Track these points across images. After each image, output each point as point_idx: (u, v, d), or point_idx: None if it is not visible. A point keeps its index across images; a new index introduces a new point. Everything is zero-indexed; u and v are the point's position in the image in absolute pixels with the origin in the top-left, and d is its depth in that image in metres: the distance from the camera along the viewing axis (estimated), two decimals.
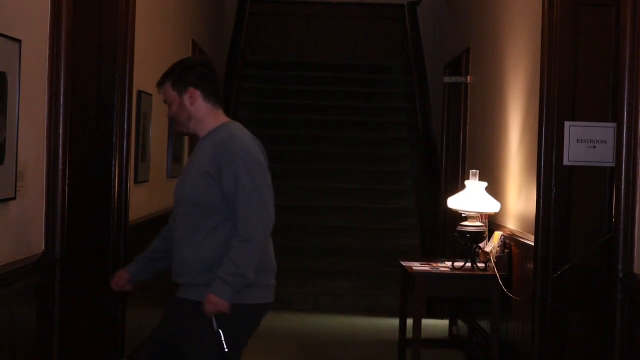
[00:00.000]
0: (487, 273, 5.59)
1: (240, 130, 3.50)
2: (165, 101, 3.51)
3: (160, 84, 3.50)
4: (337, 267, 8.74)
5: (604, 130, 4.82)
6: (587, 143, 4.83)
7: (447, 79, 7.95)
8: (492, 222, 5.90)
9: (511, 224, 5.71)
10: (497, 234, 5.65)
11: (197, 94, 3.44)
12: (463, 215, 5.72)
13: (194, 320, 3.37)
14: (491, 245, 5.65)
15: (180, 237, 3.41)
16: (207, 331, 3.32)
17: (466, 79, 7.37)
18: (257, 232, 3.30)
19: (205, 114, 3.47)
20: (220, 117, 3.51)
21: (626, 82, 3.71)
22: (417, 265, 5.81)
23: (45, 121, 3.56)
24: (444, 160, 8.30)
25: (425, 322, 5.92)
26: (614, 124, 4.46)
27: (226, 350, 3.29)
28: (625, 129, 3.69)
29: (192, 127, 3.49)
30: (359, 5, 11.82)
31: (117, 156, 4.75)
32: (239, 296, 3.29)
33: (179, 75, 3.47)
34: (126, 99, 4.83)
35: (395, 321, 6.26)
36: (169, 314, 3.60)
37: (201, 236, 3.36)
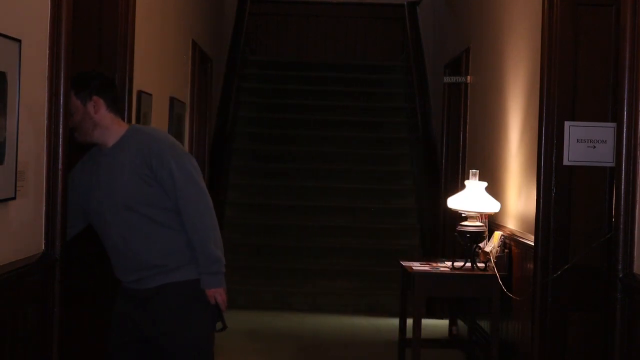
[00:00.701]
0: (487, 273, 5.59)
1: (152, 128, 3.83)
2: (70, 112, 3.57)
3: (70, 91, 3.57)
4: (337, 267, 8.75)
5: (604, 130, 4.82)
6: (587, 143, 4.83)
7: (447, 79, 7.95)
8: (492, 222, 5.90)
9: (511, 224, 5.71)
10: (497, 234, 5.65)
11: (101, 102, 3.58)
12: (463, 215, 5.72)
13: (184, 299, 3.61)
14: (491, 245, 5.65)
15: (134, 237, 3.56)
16: (198, 307, 3.63)
17: (466, 79, 7.38)
18: (206, 219, 3.57)
19: (110, 122, 3.60)
20: (123, 124, 3.67)
21: (626, 82, 3.71)
22: (417, 265, 5.82)
23: (45, 121, 3.56)
24: (444, 160, 8.30)
25: (425, 322, 5.92)
26: (614, 124, 4.46)
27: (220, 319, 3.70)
28: (625, 129, 3.69)
29: (96, 136, 3.59)
30: (359, 5, 11.82)
31: None
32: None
33: (82, 84, 3.58)
34: (126, 99, 4.82)
35: (395, 321, 6.27)
36: (137, 318, 3.67)
37: (165, 227, 3.56)
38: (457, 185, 7.23)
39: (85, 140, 3.63)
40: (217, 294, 3.67)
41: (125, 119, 4.83)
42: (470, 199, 5.66)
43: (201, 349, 3.67)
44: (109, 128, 3.60)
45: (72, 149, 3.78)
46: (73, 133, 3.62)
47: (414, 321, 5.57)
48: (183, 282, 3.61)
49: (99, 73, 3.76)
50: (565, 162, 4.85)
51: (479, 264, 5.69)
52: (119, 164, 3.56)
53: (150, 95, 5.49)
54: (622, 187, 3.70)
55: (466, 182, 5.82)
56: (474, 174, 5.82)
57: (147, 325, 3.65)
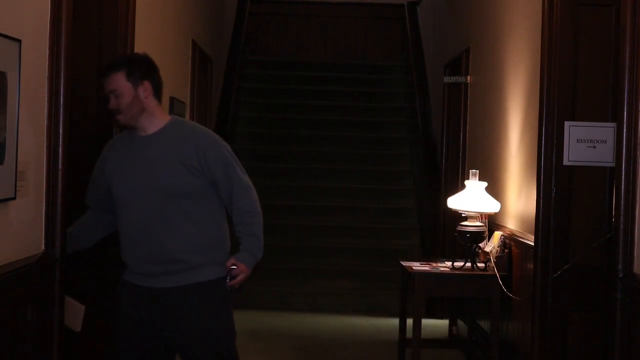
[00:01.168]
0: (487, 273, 5.59)
1: (193, 122, 3.80)
2: (110, 92, 3.49)
3: (107, 74, 3.49)
4: (337, 267, 8.74)
5: (604, 130, 4.82)
6: (587, 143, 4.83)
7: (447, 79, 7.95)
8: (492, 222, 5.90)
9: (511, 224, 5.71)
10: (497, 234, 5.65)
11: (150, 87, 3.53)
12: (463, 215, 5.72)
13: (208, 299, 3.55)
14: (491, 245, 5.65)
15: (164, 227, 3.48)
16: (222, 307, 3.59)
17: (466, 79, 7.38)
18: (257, 206, 3.61)
19: (155, 109, 3.56)
20: (165, 113, 3.64)
21: (626, 82, 3.71)
22: (417, 265, 5.82)
23: (45, 121, 3.56)
24: (444, 160, 8.30)
25: (425, 322, 5.92)
26: (614, 124, 4.46)
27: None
28: (625, 129, 3.69)
29: (141, 121, 3.52)
30: (359, 5, 11.82)
31: None
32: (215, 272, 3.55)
33: (134, 67, 3.51)
34: None
35: (395, 321, 6.27)
36: (153, 316, 3.58)
37: (197, 222, 3.52)
38: (457, 185, 7.23)
39: (129, 125, 3.54)
40: (244, 275, 3.58)
41: None
42: (470, 199, 5.66)
43: (226, 348, 3.64)
44: (154, 114, 3.54)
45: (72, 148, 3.78)
46: (115, 115, 3.54)
47: (414, 321, 5.57)
48: (208, 282, 3.56)
49: (148, 56, 3.67)
50: (565, 162, 4.85)
51: (479, 264, 5.69)
52: (161, 152, 3.50)
53: None
54: (622, 187, 3.70)
55: (466, 182, 5.82)
56: (474, 174, 5.82)
57: (167, 324, 3.56)
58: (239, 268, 3.56)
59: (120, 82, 3.47)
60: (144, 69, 3.53)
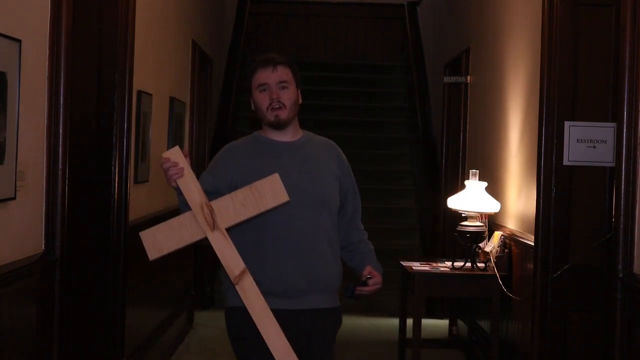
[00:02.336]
0: (487, 273, 5.59)
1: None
2: (279, 82, 3.18)
3: (278, 63, 3.19)
4: None
5: (604, 130, 4.81)
6: (587, 143, 4.83)
7: (447, 79, 7.95)
8: (492, 222, 5.90)
9: (511, 224, 5.71)
10: (497, 234, 5.65)
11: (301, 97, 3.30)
12: (463, 215, 5.72)
13: (334, 328, 3.34)
14: (491, 245, 5.65)
15: (323, 241, 3.18)
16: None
17: (466, 79, 7.38)
18: None
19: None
20: None
21: (626, 82, 3.71)
22: (417, 265, 5.82)
23: (45, 121, 3.56)
24: (444, 160, 8.30)
25: (425, 322, 5.92)
26: (614, 124, 4.46)
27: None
28: (625, 129, 3.69)
29: (291, 120, 3.22)
30: (359, 5, 11.82)
31: (117, 156, 4.75)
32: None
33: (297, 70, 3.29)
34: (126, 99, 4.83)
35: (395, 321, 6.26)
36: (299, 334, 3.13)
37: (335, 238, 3.27)
38: (457, 185, 7.23)
39: (288, 121, 3.20)
40: (379, 285, 3.27)
41: (125, 119, 4.85)
42: (470, 199, 5.66)
43: None
44: (296, 122, 3.30)
45: (72, 149, 3.78)
46: (275, 108, 3.18)
47: (414, 321, 5.57)
48: (339, 307, 3.30)
49: None
50: (565, 162, 4.85)
51: (479, 264, 5.69)
52: (314, 160, 3.23)
53: (150, 95, 5.50)
54: (622, 187, 3.70)
55: (466, 182, 5.82)
56: (474, 174, 5.82)
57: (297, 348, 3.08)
58: (376, 278, 3.25)
59: (289, 75, 3.22)
60: (300, 77, 3.31)
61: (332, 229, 3.23)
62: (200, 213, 2.86)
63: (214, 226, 2.86)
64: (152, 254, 2.90)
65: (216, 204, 2.88)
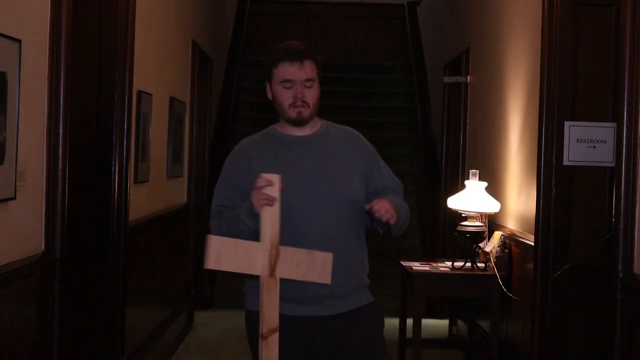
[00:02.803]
0: (487, 273, 5.59)
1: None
2: (306, 80, 3.00)
3: (305, 57, 2.99)
4: None
5: (604, 130, 4.81)
6: (587, 143, 4.83)
7: (447, 79, 7.95)
8: (492, 222, 5.90)
9: (511, 224, 5.71)
10: (497, 234, 5.65)
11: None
12: (463, 215, 5.72)
13: (371, 326, 3.13)
14: (491, 245, 5.65)
15: (344, 240, 3.05)
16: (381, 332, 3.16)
17: (466, 79, 7.37)
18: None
19: None
20: None
21: (626, 82, 3.71)
22: (417, 265, 5.81)
23: (45, 121, 3.56)
24: (444, 160, 8.30)
25: (425, 322, 5.91)
26: (614, 124, 4.46)
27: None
28: (625, 129, 3.69)
29: (312, 118, 3.07)
30: (359, 5, 11.82)
31: (117, 156, 4.75)
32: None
33: (320, 61, 3.06)
34: (126, 99, 4.83)
35: (395, 321, 6.26)
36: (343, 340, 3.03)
37: (357, 233, 3.13)
38: (457, 185, 7.23)
39: (309, 119, 3.05)
40: (386, 210, 2.93)
41: (125, 119, 4.85)
42: (470, 199, 5.66)
43: None
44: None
45: (71, 149, 3.78)
46: (298, 107, 3.03)
47: (414, 321, 5.56)
48: (372, 304, 3.14)
49: None
50: (565, 162, 4.85)
51: (479, 264, 5.69)
52: (332, 154, 3.05)
53: (150, 95, 5.50)
54: (622, 187, 3.70)
55: (466, 182, 5.82)
56: (474, 174, 5.82)
57: (328, 353, 3.05)
58: (377, 204, 2.93)
59: (315, 72, 3.00)
60: (322, 67, 3.07)
61: (355, 224, 3.08)
62: (267, 252, 2.75)
63: (272, 271, 2.76)
64: (211, 264, 2.72)
65: (282, 249, 2.77)
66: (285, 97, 3.02)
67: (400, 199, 3.17)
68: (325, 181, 3.01)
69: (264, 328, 2.75)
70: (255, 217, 2.80)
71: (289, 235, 2.88)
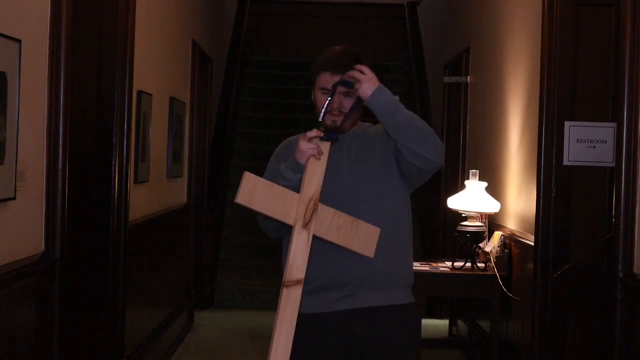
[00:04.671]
0: (487, 273, 5.59)
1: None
2: (346, 91, 2.95)
3: (349, 65, 2.95)
4: None
5: (604, 130, 4.81)
6: (587, 143, 4.83)
7: (447, 79, 7.95)
8: (492, 222, 5.90)
9: (511, 224, 5.71)
10: (497, 234, 5.65)
11: None
12: (463, 215, 5.72)
13: (399, 330, 2.99)
14: (491, 245, 5.65)
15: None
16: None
17: (466, 79, 7.37)
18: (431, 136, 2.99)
19: None
20: None
21: (626, 82, 3.70)
22: (417, 265, 5.81)
23: (45, 121, 3.56)
24: (444, 161, 8.29)
25: (425, 322, 5.91)
26: (614, 124, 4.46)
27: None
28: (625, 129, 3.69)
29: (348, 126, 3.02)
30: (359, 5, 11.82)
31: (117, 156, 4.75)
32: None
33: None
34: (126, 99, 4.83)
35: None
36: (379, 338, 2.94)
37: (396, 228, 3.05)
38: (457, 185, 7.23)
39: (344, 127, 2.99)
40: (368, 78, 2.96)
41: (125, 119, 4.85)
42: (470, 199, 5.66)
43: None
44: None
45: (72, 149, 3.78)
46: (333, 114, 2.95)
47: None
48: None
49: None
50: (565, 162, 4.85)
51: (479, 264, 5.69)
52: (360, 156, 3.00)
53: (150, 95, 5.50)
54: (622, 187, 3.70)
55: (466, 182, 5.82)
56: (474, 174, 5.82)
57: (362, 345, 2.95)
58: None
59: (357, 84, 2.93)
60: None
61: (393, 219, 3.01)
62: (305, 203, 2.71)
63: (306, 224, 2.72)
64: (242, 199, 2.66)
65: (321, 207, 2.73)
66: (322, 102, 2.96)
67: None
68: (359, 180, 2.96)
69: (289, 277, 2.70)
70: (298, 169, 2.78)
71: (322, 246, 2.83)
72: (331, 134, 2.86)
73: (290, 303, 2.72)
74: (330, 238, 2.77)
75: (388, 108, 2.93)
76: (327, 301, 2.91)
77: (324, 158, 2.78)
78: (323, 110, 2.90)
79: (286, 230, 2.83)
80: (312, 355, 2.91)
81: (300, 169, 2.78)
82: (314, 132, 2.81)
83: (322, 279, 2.89)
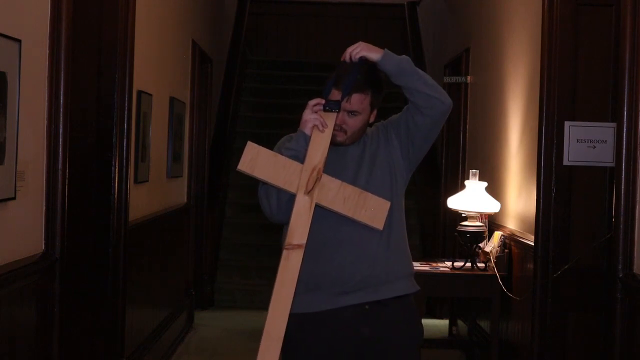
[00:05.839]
0: (487, 273, 5.59)
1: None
2: (350, 111, 2.96)
3: (358, 90, 3.00)
4: None
5: (604, 130, 4.82)
6: (587, 143, 4.83)
7: (447, 79, 7.95)
8: (492, 222, 5.90)
9: (511, 224, 5.71)
10: (497, 234, 5.65)
11: (375, 114, 3.09)
12: (463, 215, 5.72)
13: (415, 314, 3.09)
14: (491, 245, 5.65)
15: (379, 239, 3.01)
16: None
17: (466, 79, 7.37)
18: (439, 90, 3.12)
19: None
20: None
21: (626, 82, 3.70)
22: (417, 265, 5.81)
23: (45, 121, 3.56)
24: (444, 160, 8.30)
25: (425, 322, 5.91)
26: (614, 124, 4.46)
27: None
28: (625, 129, 3.69)
29: (349, 143, 3.01)
30: (359, 5, 11.82)
31: (117, 156, 4.75)
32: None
33: (380, 92, 3.07)
34: (126, 99, 4.83)
35: None
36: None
37: (394, 231, 3.10)
38: (457, 185, 7.23)
39: (345, 143, 2.99)
40: (366, 47, 3.19)
41: (125, 119, 4.85)
42: (470, 199, 5.66)
43: None
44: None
45: (72, 149, 3.78)
46: (337, 131, 2.94)
47: None
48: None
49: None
50: (565, 162, 4.85)
51: (479, 264, 5.69)
52: (368, 159, 3.00)
53: (150, 95, 5.50)
54: (622, 187, 3.70)
55: (466, 182, 5.82)
56: (474, 174, 5.82)
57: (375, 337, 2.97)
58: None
59: (364, 104, 2.99)
60: (382, 97, 3.09)
61: (399, 220, 3.05)
62: (308, 172, 2.75)
63: (309, 191, 2.74)
64: (243, 166, 2.72)
65: (326, 178, 2.78)
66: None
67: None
68: (360, 183, 2.94)
69: (289, 241, 2.72)
70: (301, 140, 2.84)
71: (322, 241, 2.87)
72: (334, 104, 2.91)
73: (290, 266, 2.75)
74: (336, 208, 2.79)
75: (401, 65, 3.12)
76: (332, 298, 2.92)
77: (329, 131, 2.82)
78: (329, 83, 2.99)
79: (287, 207, 2.83)
80: (321, 354, 2.93)
81: (304, 141, 2.83)
82: (315, 101, 2.88)
83: (329, 276, 2.91)
